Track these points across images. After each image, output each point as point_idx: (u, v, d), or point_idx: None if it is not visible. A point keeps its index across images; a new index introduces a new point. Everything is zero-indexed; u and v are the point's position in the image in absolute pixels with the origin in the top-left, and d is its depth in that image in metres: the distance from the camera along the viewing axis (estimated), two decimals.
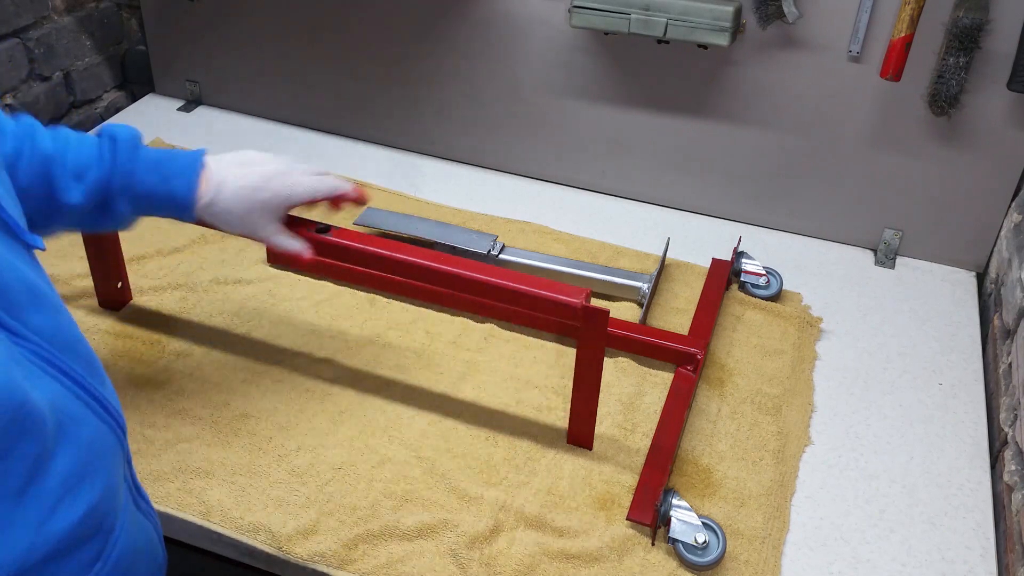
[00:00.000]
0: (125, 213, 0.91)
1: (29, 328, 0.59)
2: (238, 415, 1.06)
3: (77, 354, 0.64)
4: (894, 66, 1.18)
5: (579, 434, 1.03)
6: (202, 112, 1.71)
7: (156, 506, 0.91)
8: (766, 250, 1.39)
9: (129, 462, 0.70)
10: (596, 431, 1.06)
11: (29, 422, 0.55)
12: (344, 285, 1.28)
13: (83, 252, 1.22)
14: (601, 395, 1.11)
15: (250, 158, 0.97)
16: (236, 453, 1.01)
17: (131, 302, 1.22)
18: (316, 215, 1.04)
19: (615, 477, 1.01)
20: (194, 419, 1.05)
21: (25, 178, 0.85)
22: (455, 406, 1.09)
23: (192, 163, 0.92)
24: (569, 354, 1.17)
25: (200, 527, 0.94)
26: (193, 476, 0.99)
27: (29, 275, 0.61)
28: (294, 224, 1.00)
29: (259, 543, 0.93)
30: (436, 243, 1.31)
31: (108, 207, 0.90)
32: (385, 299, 1.26)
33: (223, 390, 1.09)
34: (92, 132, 0.92)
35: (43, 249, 0.65)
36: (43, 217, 0.88)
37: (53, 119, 1.63)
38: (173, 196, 0.91)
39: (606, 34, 1.36)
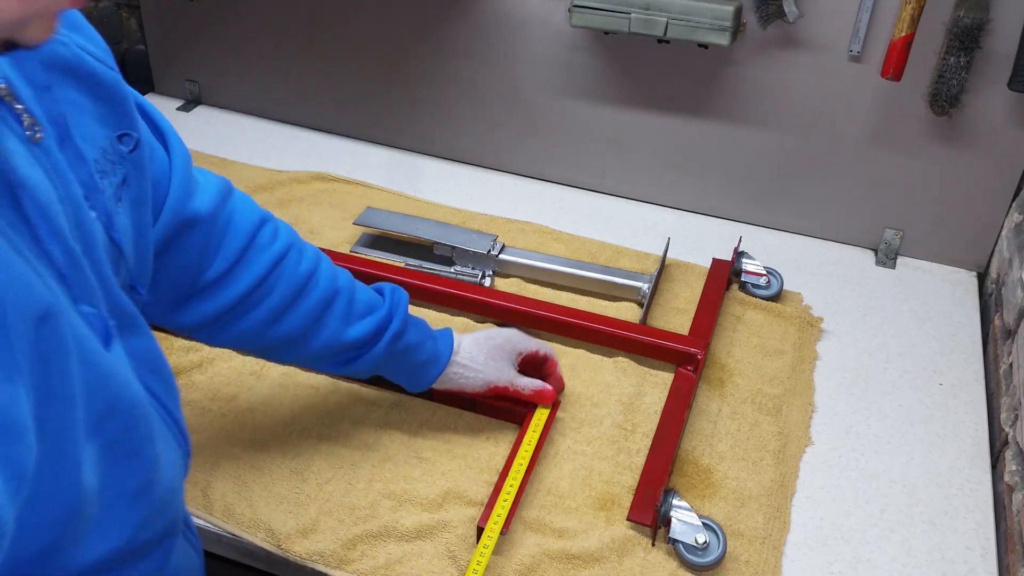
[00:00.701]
0: (376, 358, 0.94)
1: (129, 350, 0.63)
2: (244, 409, 1.07)
3: (161, 376, 0.68)
4: (894, 66, 1.18)
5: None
6: (202, 112, 1.71)
7: None
8: (766, 250, 1.39)
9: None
10: (597, 431, 1.06)
11: (152, 428, 0.61)
12: None
13: None
14: (601, 395, 1.11)
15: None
16: (240, 448, 1.02)
17: None
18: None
19: (615, 477, 1.01)
20: (202, 411, 1.06)
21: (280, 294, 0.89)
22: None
23: (442, 330, 1.02)
24: (569, 354, 1.17)
25: (200, 527, 0.94)
26: (198, 470, 0.99)
27: (134, 308, 0.66)
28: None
29: (259, 540, 0.93)
30: (436, 243, 1.31)
31: (369, 350, 0.94)
32: None
33: (232, 384, 1.10)
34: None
35: (143, 297, 0.71)
36: (295, 342, 0.91)
37: None
38: (437, 347, 0.99)
39: (606, 34, 1.36)
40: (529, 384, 1.02)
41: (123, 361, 0.61)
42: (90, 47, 0.65)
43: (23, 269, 0.51)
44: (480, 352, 1.00)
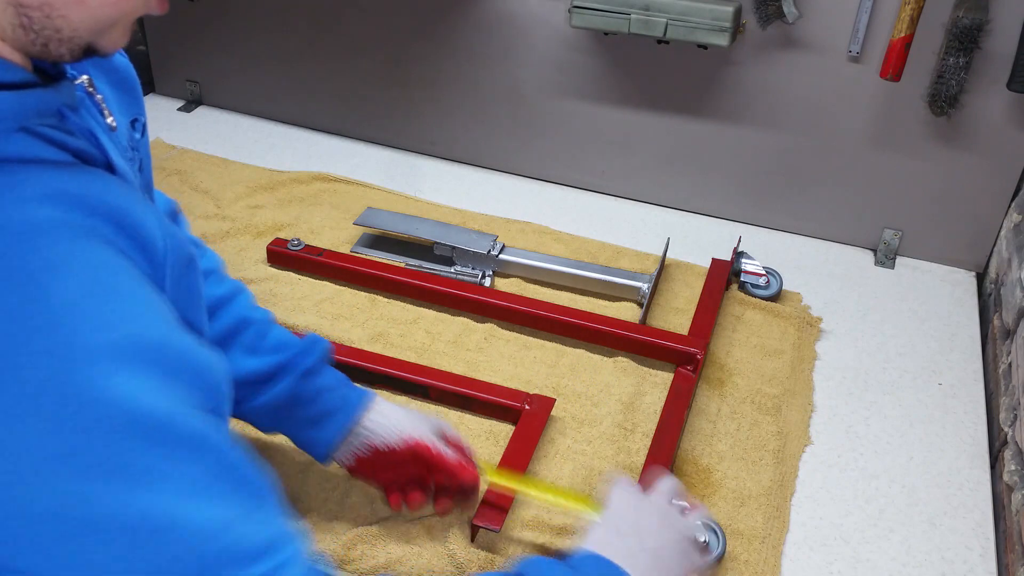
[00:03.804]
0: (281, 395, 0.86)
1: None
2: None
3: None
4: (894, 66, 1.18)
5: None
6: (202, 112, 1.71)
7: None
8: (766, 250, 1.39)
9: None
10: (597, 430, 1.07)
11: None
12: (344, 285, 1.28)
13: None
14: (601, 395, 1.11)
15: None
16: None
17: None
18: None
19: (615, 477, 1.01)
20: None
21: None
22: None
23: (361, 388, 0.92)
24: (569, 354, 1.17)
25: None
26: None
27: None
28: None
29: None
30: (436, 243, 1.32)
31: (272, 386, 0.86)
32: (385, 299, 1.26)
33: None
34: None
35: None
36: None
37: None
38: (349, 395, 0.89)
39: (606, 34, 1.36)
40: (454, 455, 0.89)
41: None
42: None
43: (168, 225, 0.57)
44: (398, 410, 0.90)
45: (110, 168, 0.56)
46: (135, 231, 0.54)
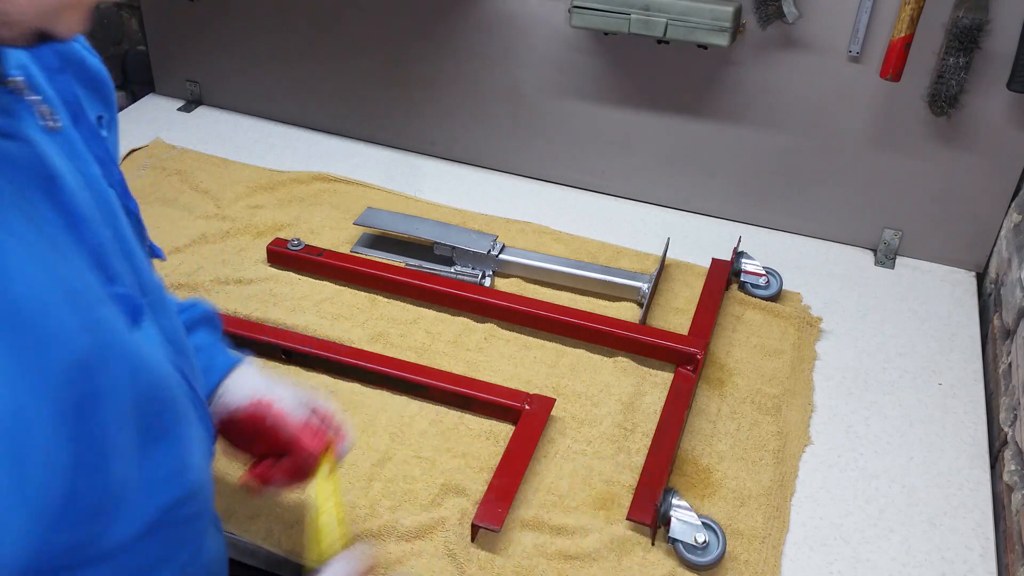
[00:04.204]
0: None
1: (159, 327, 0.63)
2: None
3: (186, 355, 0.68)
4: (894, 66, 1.18)
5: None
6: (202, 112, 1.71)
7: None
8: (766, 250, 1.39)
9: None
10: (597, 430, 1.07)
11: (181, 409, 0.62)
12: (344, 285, 1.28)
13: None
14: (601, 395, 1.11)
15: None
16: None
17: None
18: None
19: (615, 477, 1.01)
20: None
21: None
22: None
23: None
24: (569, 354, 1.17)
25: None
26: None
27: (160, 282, 0.66)
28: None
29: (260, 540, 0.93)
30: (436, 243, 1.32)
31: None
32: (385, 299, 1.26)
33: None
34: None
35: (163, 259, 0.70)
36: None
37: None
38: (216, 359, 0.83)
39: (606, 34, 1.36)
40: (300, 421, 0.81)
41: (155, 340, 0.61)
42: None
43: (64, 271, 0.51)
44: (260, 377, 0.83)
45: (46, 168, 0.54)
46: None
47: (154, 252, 0.69)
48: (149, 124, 1.66)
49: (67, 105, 0.61)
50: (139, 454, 0.57)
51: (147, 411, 0.58)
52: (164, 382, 0.60)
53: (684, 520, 0.93)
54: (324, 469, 0.81)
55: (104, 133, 0.67)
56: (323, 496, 0.80)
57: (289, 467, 0.81)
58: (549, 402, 1.07)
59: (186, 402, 0.65)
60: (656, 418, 1.07)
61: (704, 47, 1.28)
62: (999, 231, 1.33)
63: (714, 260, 1.33)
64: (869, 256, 1.40)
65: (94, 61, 0.68)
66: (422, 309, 1.24)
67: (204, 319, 0.84)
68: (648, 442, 1.04)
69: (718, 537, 0.93)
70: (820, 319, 1.25)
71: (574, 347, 1.19)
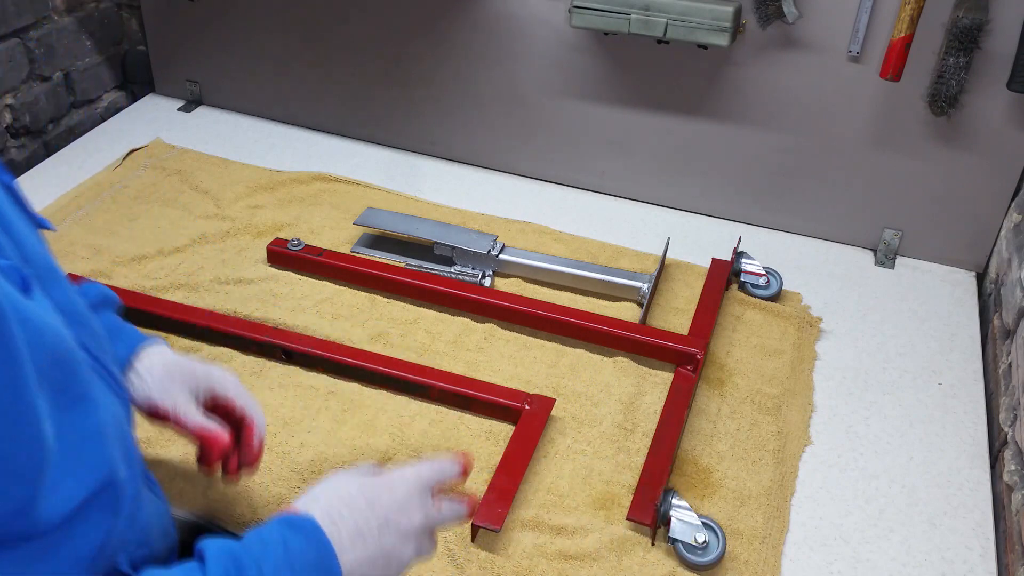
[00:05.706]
0: None
1: (55, 302, 0.63)
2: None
3: (89, 329, 0.69)
4: (894, 66, 1.18)
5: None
6: (202, 112, 1.71)
7: None
8: (766, 250, 1.39)
9: (136, 443, 0.73)
10: (597, 430, 1.07)
11: (88, 376, 0.62)
12: (344, 285, 1.28)
13: (84, 252, 1.22)
14: (601, 395, 1.11)
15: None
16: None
17: None
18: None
19: (615, 477, 1.01)
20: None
21: None
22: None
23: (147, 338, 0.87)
24: (569, 354, 1.17)
25: (201, 527, 0.94)
26: (198, 471, 0.98)
27: (48, 254, 0.67)
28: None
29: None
30: (436, 243, 1.32)
31: None
32: (385, 299, 1.26)
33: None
34: None
35: (53, 230, 0.70)
36: None
37: (53, 119, 1.63)
38: (118, 347, 0.83)
39: (606, 34, 1.36)
40: (198, 422, 0.82)
41: (48, 309, 0.61)
42: None
43: None
44: (159, 367, 0.83)
45: None
46: None
47: (40, 223, 0.69)
48: (149, 124, 1.66)
49: None
50: (56, 420, 0.57)
51: (56, 376, 0.57)
52: (67, 350, 0.60)
53: (684, 520, 0.93)
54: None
55: None
56: None
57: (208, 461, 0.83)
58: (549, 402, 1.07)
59: (91, 374, 0.64)
60: (656, 418, 1.07)
61: (704, 47, 1.28)
62: (999, 231, 1.33)
63: (714, 260, 1.33)
64: (869, 256, 1.40)
65: None
66: (422, 309, 1.24)
67: (103, 300, 0.85)
68: (648, 442, 1.04)
69: (718, 537, 0.93)
70: (820, 319, 1.25)
71: (574, 347, 1.19)
